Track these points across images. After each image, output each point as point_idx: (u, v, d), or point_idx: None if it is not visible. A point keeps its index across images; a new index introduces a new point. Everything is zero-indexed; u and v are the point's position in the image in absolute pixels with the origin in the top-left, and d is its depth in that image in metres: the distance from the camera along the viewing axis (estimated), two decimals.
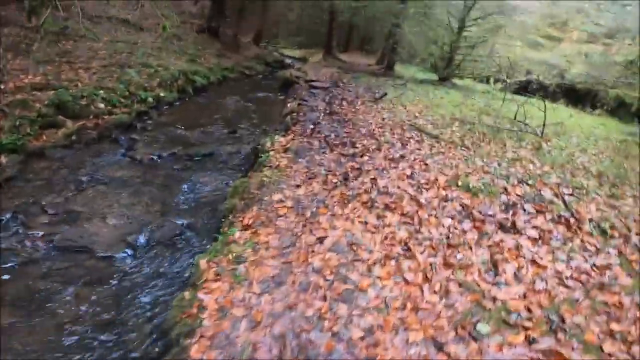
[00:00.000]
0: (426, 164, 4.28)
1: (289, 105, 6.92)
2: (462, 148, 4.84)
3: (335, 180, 3.85)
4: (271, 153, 4.41)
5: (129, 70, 6.90)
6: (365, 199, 3.57)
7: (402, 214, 3.36)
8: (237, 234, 3.09)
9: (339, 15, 15.88)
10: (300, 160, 4.11)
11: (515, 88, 16.88)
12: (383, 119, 5.81)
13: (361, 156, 4.36)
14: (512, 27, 18.84)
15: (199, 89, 8.53)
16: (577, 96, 15.03)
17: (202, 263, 2.79)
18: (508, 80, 18.37)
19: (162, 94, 7.06)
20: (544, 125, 5.52)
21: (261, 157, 4.48)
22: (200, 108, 7.39)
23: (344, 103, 6.77)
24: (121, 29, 8.92)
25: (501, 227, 3.18)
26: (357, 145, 4.69)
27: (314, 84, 8.63)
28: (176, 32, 10.49)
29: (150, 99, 6.72)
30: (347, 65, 13.56)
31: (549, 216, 3.32)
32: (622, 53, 17.07)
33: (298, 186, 3.67)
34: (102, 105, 5.80)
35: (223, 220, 3.53)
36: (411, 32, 13.60)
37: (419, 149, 4.73)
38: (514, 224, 3.22)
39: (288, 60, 18.35)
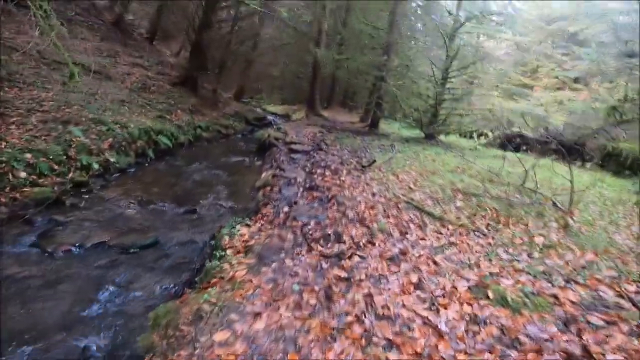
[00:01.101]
0: (436, 263, 3.23)
1: (263, 175, 5.90)
2: (477, 233, 3.83)
3: (313, 301, 2.71)
4: (228, 253, 3.27)
5: (73, 128, 5.83)
6: (358, 333, 2.46)
7: (415, 354, 2.28)
8: None
9: (322, 69, 15.61)
10: (264, 268, 2.97)
11: (499, 142, 16.62)
12: (373, 195, 4.81)
13: (349, 257, 3.27)
14: (486, 76, 18.94)
15: (162, 151, 7.48)
16: (565, 149, 14.45)
17: None
18: (492, 135, 18.22)
19: (112, 159, 5.96)
20: (571, 198, 4.61)
21: (215, 255, 3.34)
22: (159, 177, 6.29)
23: (327, 172, 5.79)
24: (82, 77, 8.00)
25: (569, 357, 2.14)
26: (344, 237, 3.61)
27: (294, 146, 7.73)
28: (148, 83, 9.66)
29: (94, 165, 5.60)
30: (330, 123, 12.94)
31: (625, 327, 2.34)
32: (602, 98, 16.89)
33: (257, 315, 2.51)
34: (24, 174, 4.64)
35: None
36: (395, 86, 13.27)
37: (422, 239, 3.70)
38: (586, 349, 2.17)
39: (270, 117, 17.77)
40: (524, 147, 15.01)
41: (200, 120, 10.40)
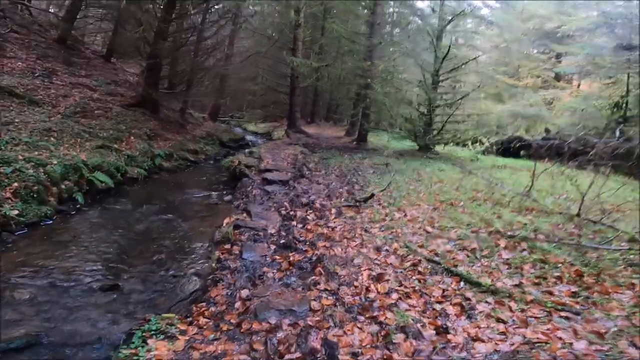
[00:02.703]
0: None
1: (225, 222, 4.32)
2: (564, 314, 2.34)
3: None
4: None
5: None
6: None
7: None
8: None
9: (302, 81, 14.23)
10: None
11: (497, 149, 15.41)
12: (378, 250, 3.29)
13: None
14: (469, 78, 17.75)
15: (101, 192, 5.86)
16: (570, 153, 12.98)
17: None
18: (488, 141, 16.99)
19: (12, 212, 4.33)
20: None
21: None
22: (85, 230, 4.65)
23: (310, 215, 4.25)
24: None
25: None
26: (341, 354, 2.06)
27: (270, 175, 6.17)
28: (90, 107, 8.03)
29: None
30: (314, 140, 11.48)
31: None
32: (602, 95, 15.64)
33: None
34: None
35: None
36: (382, 93, 11.93)
37: (476, 338, 2.17)
38: None
39: (249, 137, 16.25)
40: (523, 152, 13.80)
41: (161, 147, 8.81)
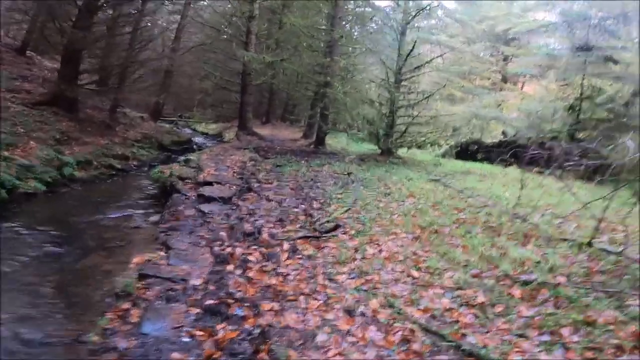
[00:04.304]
0: None
1: (134, 263, 3.07)
2: None
3: None
4: None
5: None
6: None
7: None
8: None
9: (255, 78, 12.98)
10: None
11: (456, 151, 15.20)
12: (350, 314, 2.25)
13: None
14: (424, 79, 17.48)
15: None
16: (526, 156, 12.82)
17: None
18: (446, 144, 16.77)
19: None
20: None
21: None
22: None
23: (254, 253, 3.11)
24: None
25: None
26: None
27: (208, 190, 4.90)
28: None
29: None
30: (267, 144, 10.32)
31: None
32: (559, 96, 15.83)
33: None
34: None
35: None
36: (341, 92, 11.04)
37: None
38: None
39: (198, 139, 14.70)
40: (480, 156, 13.62)
41: (76, 152, 7.22)
